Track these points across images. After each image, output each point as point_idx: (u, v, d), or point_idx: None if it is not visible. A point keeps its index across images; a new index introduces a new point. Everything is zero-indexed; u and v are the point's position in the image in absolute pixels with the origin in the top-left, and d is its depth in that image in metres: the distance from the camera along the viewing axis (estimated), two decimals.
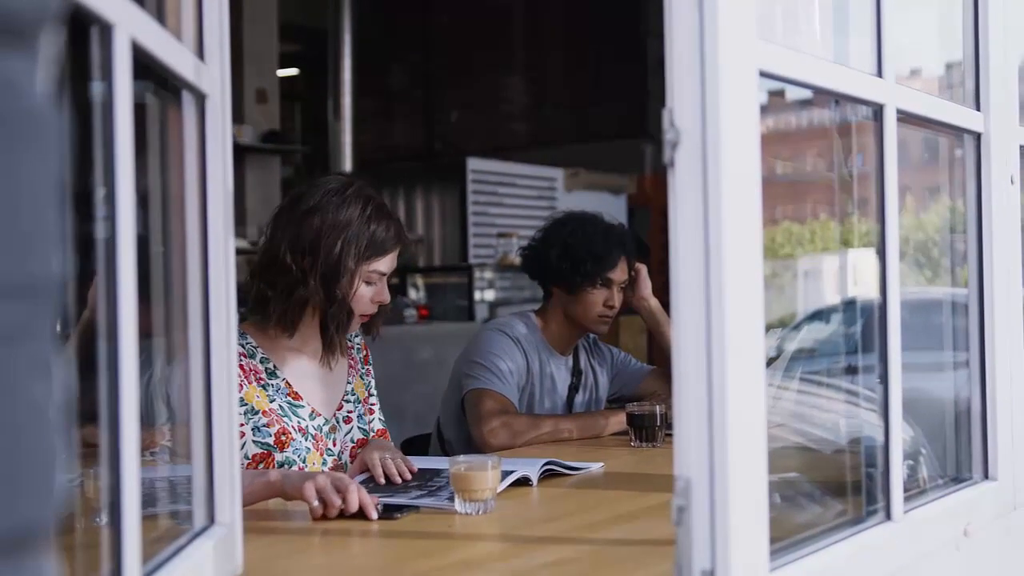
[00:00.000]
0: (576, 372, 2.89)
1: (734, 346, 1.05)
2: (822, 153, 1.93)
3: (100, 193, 0.91)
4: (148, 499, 1.24)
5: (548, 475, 2.04)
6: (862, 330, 1.66)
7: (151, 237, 1.25)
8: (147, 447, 1.24)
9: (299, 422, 2.09)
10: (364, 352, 2.33)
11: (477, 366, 2.66)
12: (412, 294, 6.89)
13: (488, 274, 6.95)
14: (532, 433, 2.55)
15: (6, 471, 0.48)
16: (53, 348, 0.53)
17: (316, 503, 1.68)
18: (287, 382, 2.11)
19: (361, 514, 1.72)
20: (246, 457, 2.01)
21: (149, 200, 1.25)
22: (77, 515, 1.31)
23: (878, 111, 1.40)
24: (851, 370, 1.77)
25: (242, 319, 2.30)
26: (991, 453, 1.69)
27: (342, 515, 1.71)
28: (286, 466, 2.03)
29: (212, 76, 1.24)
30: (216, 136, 1.25)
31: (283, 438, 2.05)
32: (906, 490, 1.43)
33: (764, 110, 1.14)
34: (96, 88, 0.92)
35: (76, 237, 0.93)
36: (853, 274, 1.81)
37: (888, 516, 1.39)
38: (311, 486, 1.69)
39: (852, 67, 1.41)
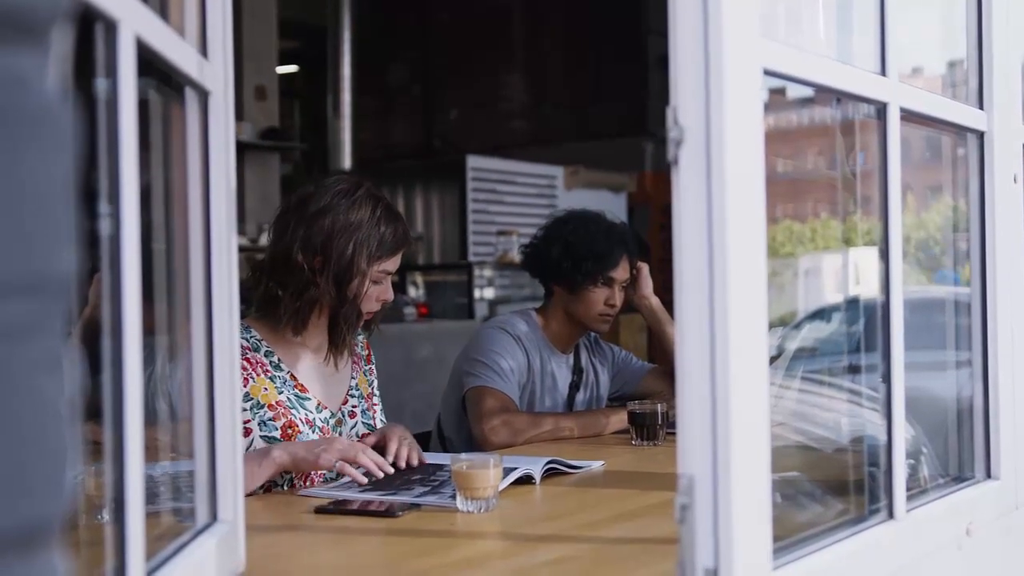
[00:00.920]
0: (577, 370, 2.89)
1: (737, 343, 1.05)
2: (823, 151, 1.93)
3: (104, 190, 0.91)
4: (151, 496, 1.24)
5: (549, 473, 2.04)
6: (864, 329, 1.66)
7: (154, 234, 1.25)
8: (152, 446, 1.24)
9: (306, 414, 2.11)
10: (367, 351, 2.34)
11: (478, 364, 2.66)
12: (412, 292, 6.89)
13: (488, 272, 6.95)
14: (533, 431, 2.55)
15: (17, 467, 0.48)
16: (64, 345, 0.53)
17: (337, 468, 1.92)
18: (292, 375, 2.13)
19: (363, 512, 1.73)
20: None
21: (152, 197, 1.24)
22: (79, 512, 1.31)
23: (881, 109, 1.40)
24: (853, 369, 1.77)
25: (243, 315, 2.31)
26: (993, 452, 1.69)
27: (345, 512, 1.73)
28: None
29: (215, 73, 1.24)
30: (219, 133, 1.25)
31: (290, 431, 2.06)
32: (908, 489, 1.43)
33: (765, 107, 1.14)
34: (101, 85, 0.92)
35: (80, 234, 0.93)
36: (855, 273, 1.81)
37: (891, 515, 1.39)
38: (327, 460, 1.91)
39: (855, 65, 1.41)
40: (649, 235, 7.02)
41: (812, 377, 1.96)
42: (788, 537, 1.21)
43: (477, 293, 6.84)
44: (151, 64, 1.05)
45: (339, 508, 1.77)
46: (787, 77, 1.20)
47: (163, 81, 1.17)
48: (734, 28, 1.06)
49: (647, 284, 2.88)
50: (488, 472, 1.73)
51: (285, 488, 2.04)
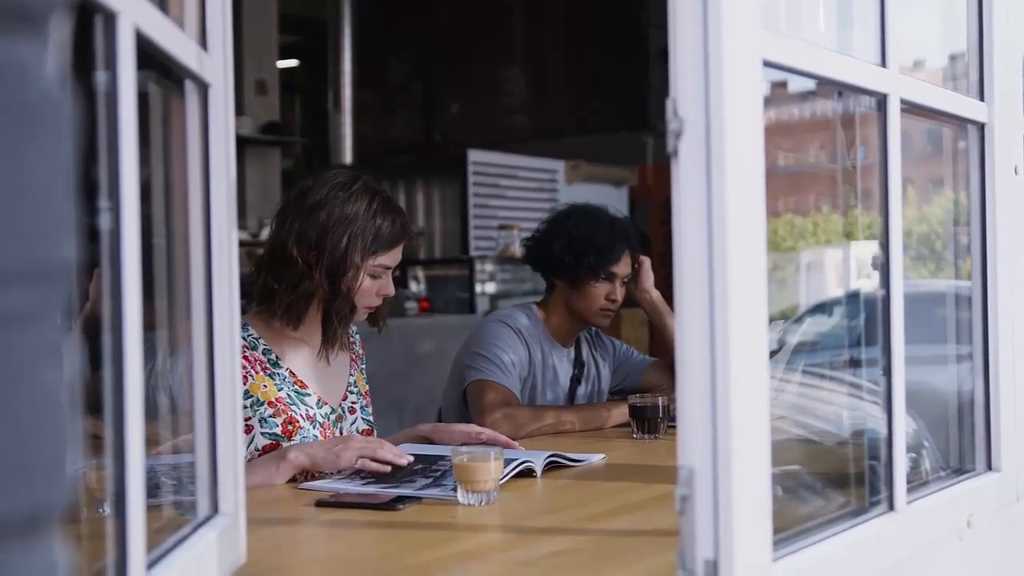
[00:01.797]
0: (578, 364, 2.89)
1: (737, 335, 1.05)
2: (825, 145, 1.93)
3: (104, 184, 0.91)
4: (152, 488, 1.24)
5: (551, 467, 2.04)
6: (865, 322, 1.66)
7: (154, 227, 1.25)
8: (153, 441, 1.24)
9: (307, 410, 2.11)
10: (361, 350, 2.34)
11: (479, 357, 2.66)
12: (413, 287, 6.89)
13: (489, 266, 6.96)
14: (534, 425, 2.55)
15: (18, 455, 0.48)
16: (64, 334, 0.53)
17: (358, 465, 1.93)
18: (291, 371, 2.13)
19: (364, 505, 1.73)
20: (256, 449, 2.03)
21: (152, 191, 1.24)
22: (80, 505, 1.31)
23: (881, 101, 1.40)
24: (854, 363, 1.77)
25: (243, 311, 2.31)
26: (994, 444, 1.69)
27: (346, 504, 1.73)
28: None
29: (215, 65, 1.24)
30: (219, 126, 1.25)
31: (290, 427, 2.06)
32: (909, 482, 1.43)
33: (766, 101, 1.14)
34: (100, 77, 0.92)
35: (80, 228, 0.93)
36: (856, 266, 1.81)
37: (891, 507, 1.39)
38: (348, 458, 1.92)
39: (856, 57, 1.41)
40: (650, 229, 7.02)
41: (813, 371, 1.96)
42: (789, 529, 1.21)
43: (478, 288, 6.85)
44: (151, 57, 1.05)
45: (340, 501, 1.77)
46: (787, 68, 1.20)
47: (163, 74, 1.17)
48: (734, 19, 1.06)
49: (648, 278, 2.88)
50: (489, 465, 1.73)
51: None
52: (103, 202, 0.91)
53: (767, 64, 1.13)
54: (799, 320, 2.40)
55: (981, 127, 1.69)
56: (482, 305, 6.73)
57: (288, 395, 2.10)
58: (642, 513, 1.74)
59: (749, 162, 1.09)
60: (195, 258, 1.23)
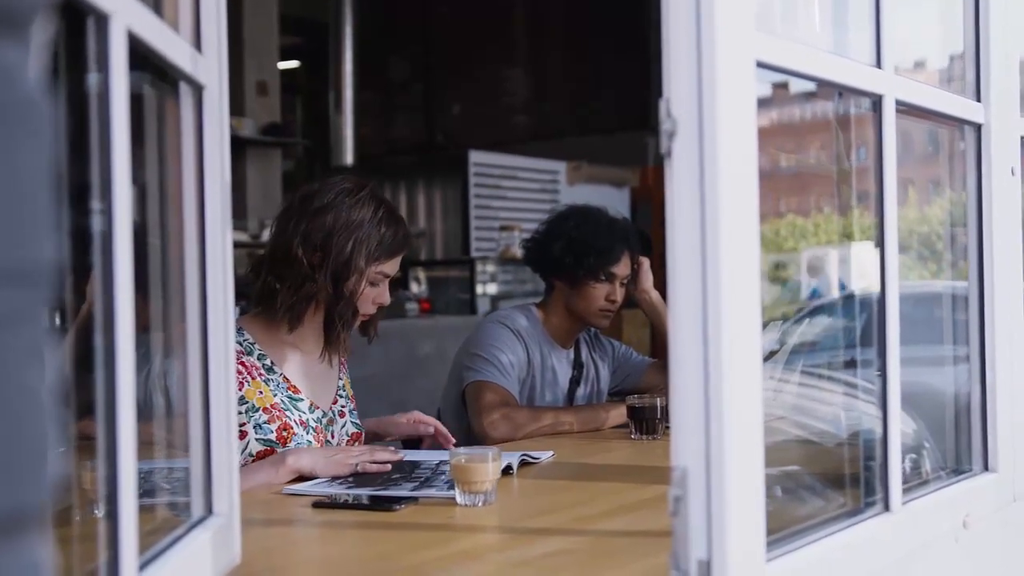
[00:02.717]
0: (577, 365, 2.89)
1: (731, 335, 1.05)
2: (826, 146, 1.93)
3: (96, 185, 0.91)
4: (148, 490, 1.24)
5: (549, 467, 2.05)
6: (864, 323, 1.66)
7: (149, 230, 1.25)
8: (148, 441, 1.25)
9: (300, 416, 2.12)
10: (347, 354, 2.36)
11: (478, 358, 2.66)
12: (414, 288, 6.89)
13: (490, 267, 6.96)
14: (533, 426, 2.55)
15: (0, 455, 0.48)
16: (47, 334, 0.53)
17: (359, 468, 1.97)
18: (285, 377, 2.14)
19: (361, 506, 1.73)
20: (250, 455, 2.04)
21: (147, 192, 1.25)
22: (75, 507, 1.31)
23: (877, 102, 1.40)
24: (853, 363, 1.77)
25: (240, 312, 2.32)
26: (991, 445, 1.69)
27: (342, 505, 1.73)
28: None
29: (209, 67, 1.24)
30: (214, 128, 1.25)
31: (284, 433, 2.08)
32: (907, 482, 1.43)
33: (768, 102, 1.14)
34: (92, 79, 0.92)
35: (75, 230, 0.93)
36: (857, 267, 1.81)
37: (886, 507, 1.39)
38: (349, 465, 1.96)
39: (851, 58, 1.41)
40: (652, 230, 7.02)
41: (812, 371, 1.96)
42: (783, 529, 1.21)
43: (479, 289, 6.85)
44: (145, 59, 1.05)
45: (336, 502, 1.77)
46: (781, 69, 1.20)
47: (157, 76, 1.17)
48: (727, 20, 1.06)
49: (648, 279, 2.88)
50: (487, 466, 1.73)
51: None
52: (95, 204, 0.91)
53: (760, 65, 1.13)
54: (799, 320, 2.40)
55: (978, 128, 1.69)
56: (483, 306, 6.73)
57: (282, 401, 2.11)
58: (639, 514, 1.74)
59: (742, 163, 1.09)
60: (189, 260, 1.23)
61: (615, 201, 6.91)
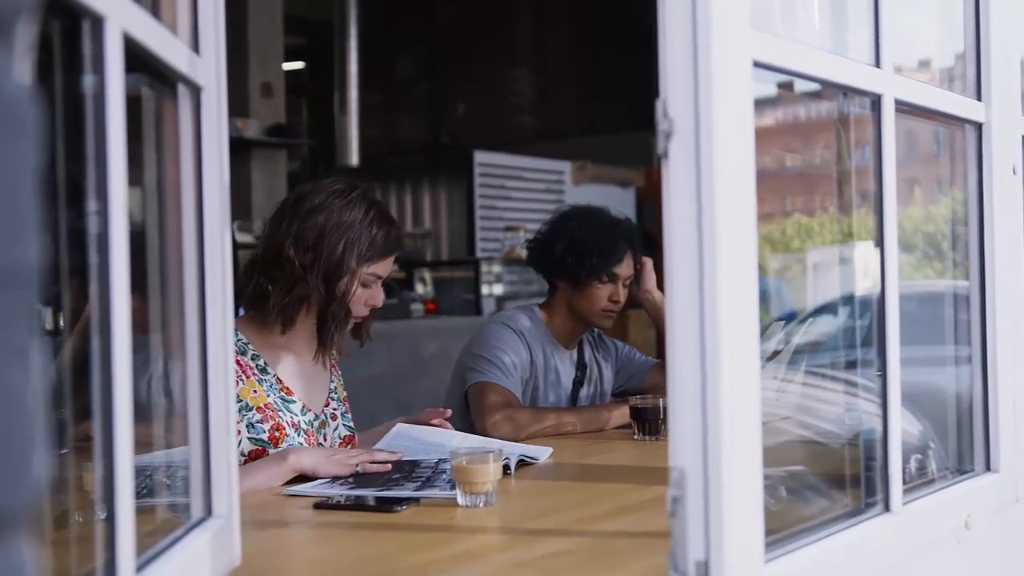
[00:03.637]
0: (581, 366, 2.89)
1: (728, 336, 1.05)
2: (830, 146, 1.92)
3: (93, 188, 0.91)
4: (148, 491, 1.24)
5: (552, 468, 2.05)
6: (867, 323, 1.66)
7: (147, 231, 1.26)
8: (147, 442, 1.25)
9: (292, 417, 2.13)
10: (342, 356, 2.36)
11: (481, 359, 2.66)
12: (419, 288, 6.89)
13: (495, 268, 6.95)
14: (535, 426, 2.55)
15: None
16: (33, 335, 0.53)
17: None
18: (278, 378, 2.14)
19: (362, 507, 1.73)
20: (242, 454, 2.05)
21: (145, 194, 1.25)
22: (77, 509, 1.31)
23: (876, 101, 1.39)
24: (857, 363, 1.76)
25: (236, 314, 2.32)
26: (993, 445, 1.68)
27: (344, 506, 1.73)
28: None
29: (207, 68, 1.24)
30: (212, 129, 1.25)
31: (277, 433, 2.09)
32: (909, 483, 1.43)
33: (774, 102, 1.14)
34: (88, 82, 0.92)
35: (75, 233, 0.93)
36: (863, 267, 1.81)
37: (887, 508, 1.39)
38: (348, 467, 1.95)
39: (850, 57, 1.41)
40: (657, 230, 7.00)
41: (816, 371, 1.96)
42: (782, 530, 1.21)
43: (485, 289, 6.84)
44: (143, 61, 1.05)
45: (338, 503, 1.77)
46: (778, 69, 1.20)
47: (156, 77, 1.17)
48: (723, 19, 1.06)
49: (650, 279, 2.88)
50: (488, 467, 1.73)
51: None
52: (91, 205, 0.91)
53: (758, 65, 1.13)
54: (804, 320, 2.40)
55: (979, 127, 1.68)
56: (488, 307, 6.72)
57: (275, 401, 2.12)
58: (640, 514, 1.73)
59: (740, 163, 1.08)
60: (188, 262, 1.23)
61: (620, 201, 6.90)
